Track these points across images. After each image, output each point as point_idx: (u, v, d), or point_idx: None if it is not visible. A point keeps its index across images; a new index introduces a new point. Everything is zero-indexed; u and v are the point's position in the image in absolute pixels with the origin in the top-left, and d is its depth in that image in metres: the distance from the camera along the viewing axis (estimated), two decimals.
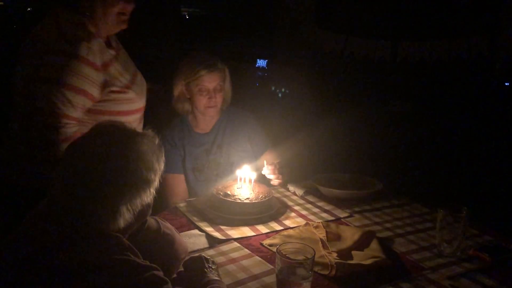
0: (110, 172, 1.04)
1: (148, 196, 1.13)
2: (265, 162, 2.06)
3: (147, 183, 1.11)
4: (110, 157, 1.06)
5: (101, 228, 1.05)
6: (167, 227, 1.40)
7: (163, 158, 1.20)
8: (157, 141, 1.19)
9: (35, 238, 1.04)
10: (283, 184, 2.13)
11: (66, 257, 0.99)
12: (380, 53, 4.57)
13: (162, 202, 2.06)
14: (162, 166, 1.19)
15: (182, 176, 2.17)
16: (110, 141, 1.09)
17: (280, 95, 4.22)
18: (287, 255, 1.27)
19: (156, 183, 1.16)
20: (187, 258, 1.39)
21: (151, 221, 1.33)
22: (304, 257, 1.26)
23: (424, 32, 4.49)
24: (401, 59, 4.45)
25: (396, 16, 4.61)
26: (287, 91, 4.23)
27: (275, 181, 2.08)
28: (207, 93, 2.09)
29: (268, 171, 2.04)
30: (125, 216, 1.08)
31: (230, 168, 2.16)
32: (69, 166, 1.08)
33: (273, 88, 4.25)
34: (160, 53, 5.64)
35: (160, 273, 1.05)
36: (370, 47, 4.63)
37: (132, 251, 1.06)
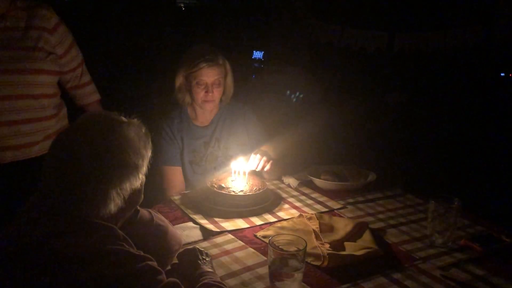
0: (97, 157, 1.06)
1: (137, 181, 1.15)
2: (251, 157, 2.02)
3: (135, 167, 1.13)
4: (97, 142, 1.07)
5: (92, 213, 1.06)
6: (160, 218, 1.41)
7: (150, 145, 1.22)
8: (143, 129, 1.21)
9: (28, 230, 1.04)
10: (278, 176, 2.14)
11: (59, 248, 1.00)
12: (376, 44, 4.57)
13: (158, 194, 2.07)
14: (149, 153, 1.21)
15: (179, 169, 2.18)
16: (96, 128, 1.11)
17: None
18: (279, 247, 1.28)
19: (144, 169, 1.18)
20: (181, 250, 1.41)
21: (143, 212, 1.35)
22: (296, 249, 1.27)
23: (420, 23, 4.48)
24: (398, 50, 4.45)
25: (392, 7, 4.60)
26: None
27: (266, 167, 2.04)
28: (205, 87, 2.09)
29: (254, 163, 2.00)
30: (116, 201, 1.09)
31: (227, 162, 2.17)
32: (57, 155, 1.09)
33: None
34: (156, 45, 5.62)
35: (154, 264, 1.07)
36: (366, 38, 4.62)
37: (126, 241, 1.08)
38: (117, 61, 5.05)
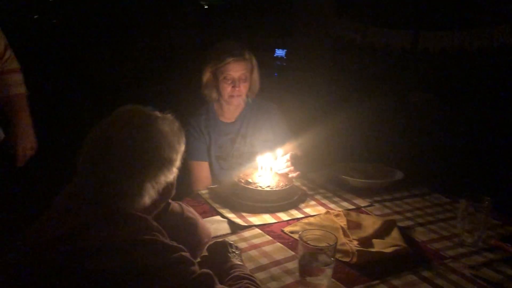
0: (134, 151, 1.08)
1: (171, 175, 1.17)
2: (276, 157, 2.01)
3: (170, 161, 1.15)
4: (133, 136, 1.09)
5: (127, 205, 1.08)
6: (190, 211, 1.43)
7: (184, 139, 1.23)
8: (177, 124, 1.22)
9: (63, 220, 1.07)
10: (302, 175, 2.13)
11: (94, 237, 1.01)
12: (401, 42, 4.52)
13: (185, 188, 2.10)
14: (183, 147, 1.22)
15: (206, 164, 2.20)
16: (132, 122, 1.13)
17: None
18: (309, 242, 1.28)
19: (178, 163, 1.20)
20: (211, 242, 1.42)
21: (174, 205, 1.37)
22: (326, 244, 1.28)
23: (446, 21, 4.42)
24: (422, 49, 4.39)
25: (417, 4, 4.54)
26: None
27: (292, 174, 2.05)
28: (232, 82, 2.10)
29: (281, 166, 2.00)
30: (150, 193, 1.11)
31: (253, 158, 2.18)
32: (93, 148, 1.11)
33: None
34: (179, 43, 5.68)
35: (187, 254, 1.08)
36: (390, 37, 4.58)
37: (160, 232, 1.09)
38: (143, 60, 5.13)
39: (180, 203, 1.42)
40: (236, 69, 2.09)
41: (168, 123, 1.18)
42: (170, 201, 1.34)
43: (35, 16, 6.99)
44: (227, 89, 2.12)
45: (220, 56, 2.09)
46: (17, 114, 2.03)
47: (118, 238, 1.02)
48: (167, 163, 1.14)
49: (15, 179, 2.18)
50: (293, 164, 1.99)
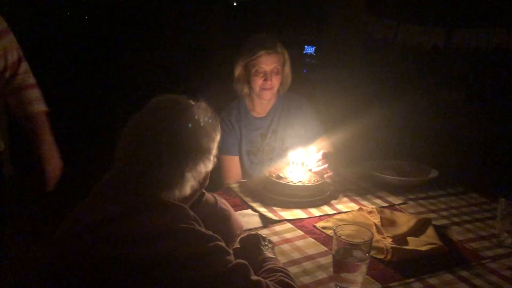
0: (174, 140, 1.08)
1: (210, 163, 1.18)
2: (309, 153, 1.97)
3: (208, 150, 1.15)
4: (171, 126, 1.09)
5: (169, 195, 1.09)
6: (224, 203, 1.44)
7: (219, 127, 1.23)
8: (210, 111, 1.22)
9: (102, 208, 1.08)
10: (334, 171, 2.09)
11: (133, 225, 1.02)
12: (433, 40, 4.42)
13: (216, 182, 2.10)
14: (218, 135, 1.22)
15: (237, 158, 2.20)
16: (170, 112, 1.13)
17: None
18: (343, 237, 1.27)
19: (215, 151, 1.20)
20: (243, 235, 1.42)
21: (208, 196, 1.37)
22: (361, 240, 1.26)
23: (481, 19, 4.30)
24: (456, 47, 4.29)
25: (451, 1, 4.44)
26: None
27: (327, 174, 1.96)
28: (264, 75, 2.10)
29: (314, 165, 1.94)
30: (191, 183, 1.12)
31: (284, 153, 2.17)
32: (133, 138, 1.11)
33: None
34: (208, 41, 5.72)
35: (223, 244, 1.08)
36: (423, 34, 4.48)
37: (197, 221, 1.09)
38: (173, 59, 5.19)
39: (214, 194, 1.42)
40: (268, 62, 2.08)
41: (203, 111, 1.18)
42: (204, 191, 1.34)
43: (67, 13, 7.16)
44: (258, 82, 2.11)
45: (252, 49, 2.09)
46: (39, 135, 1.80)
47: (157, 226, 1.03)
48: (206, 152, 1.14)
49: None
50: (325, 163, 1.93)
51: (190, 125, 1.11)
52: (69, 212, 1.15)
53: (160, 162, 1.07)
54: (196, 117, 1.14)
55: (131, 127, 1.14)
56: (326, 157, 1.94)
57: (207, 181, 1.25)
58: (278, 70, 2.12)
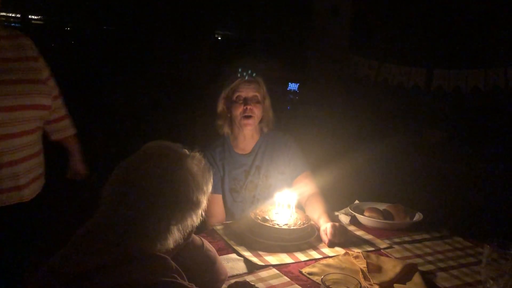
0: (163, 192, 1.05)
1: (198, 218, 1.14)
2: (321, 223, 1.89)
3: (197, 204, 1.12)
4: (163, 178, 1.06)
5: (150, 247, 1.05)
6: (210, 246, 1.40)
7: (211, 180, 1.20)
8: (203, 163, 1.19)
9: (82, 258, 1.03)
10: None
11: (112, 278, 0.98)
12: (415, 80, 4.54)
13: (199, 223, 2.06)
14: (210, 188, 1.19)
15: (220, 197, 2.17)
16: (163, 162, 1.10)
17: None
18: (329, 286, 1.24)
19: (204, 205, 1.17)
20: (231, 282, 1.38)
21: (195, 237, 1.34)
22: None
23: (460, 60, 4.44)
24: (436, 87, 4.40)
25: (432, 43, 4.58)
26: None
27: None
28: (244, 101, 2.11)
29: (325, 235, 1.84)
30: (175, 237, 1.08)
31: (267, 190, 2.15)
32: (119, 185, 1.08)
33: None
34: (193, 74, 5.76)
35: None
36: (404, 74, 4.60)
37: (178, 273, 1.06)
38: (159, 91, 5.19)
39: (201, 237, 1.39)
40: (248, 90, 2.12)
41: (196, 163, 1.15)
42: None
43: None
44: (239, 109, 2.11)
45: (233, 79, 2.13)
46: (69, 153, 2.22)
47: (137, 280, 0.99)
48: (195, 205, 1.11)
49: None
50: (333, 235, 1.81)
51: (181, 177, 1.09)
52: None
53: (148, 210, 1.03)
54: (190, 168, 1.12)
55: (122, 170, 1.10)
56: (335, 229, 1.83)
57: (191, 236, 1.21)
58: (258, 100, 2.13)
